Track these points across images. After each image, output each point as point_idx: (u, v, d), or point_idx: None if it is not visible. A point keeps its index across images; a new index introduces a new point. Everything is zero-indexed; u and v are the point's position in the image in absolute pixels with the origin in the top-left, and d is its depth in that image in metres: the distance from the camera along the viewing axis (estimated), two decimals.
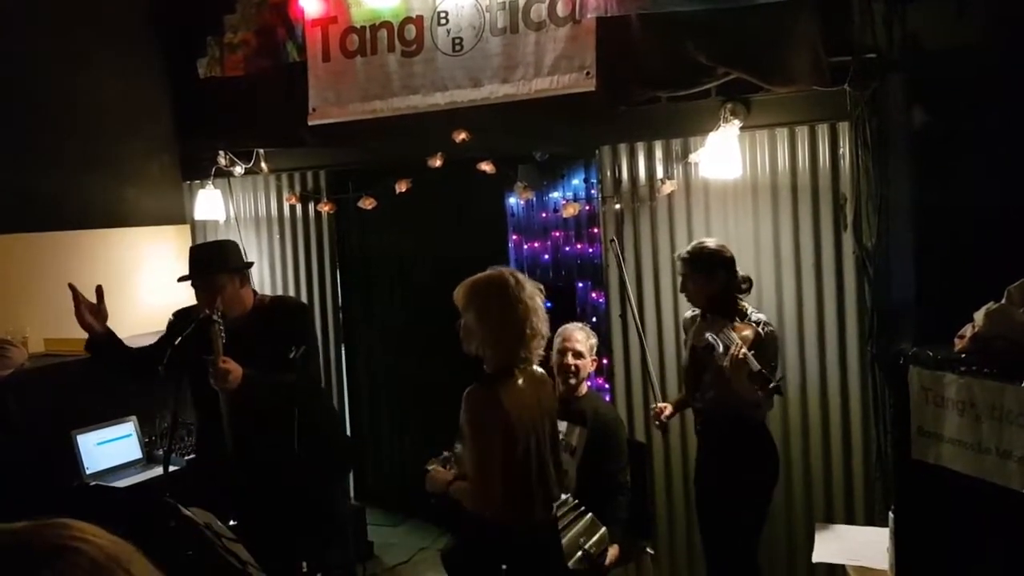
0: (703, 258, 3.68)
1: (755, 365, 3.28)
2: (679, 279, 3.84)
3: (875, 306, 3.98)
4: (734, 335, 3.39)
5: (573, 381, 3.96)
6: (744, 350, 3.31)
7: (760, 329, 3.53)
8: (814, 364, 4.19)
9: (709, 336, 3.52)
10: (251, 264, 3.98)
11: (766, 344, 3.52)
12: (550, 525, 3.13)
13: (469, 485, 2.94)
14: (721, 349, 3.40)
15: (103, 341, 3.64)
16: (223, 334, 3.36)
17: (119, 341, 3.74)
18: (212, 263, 3.64)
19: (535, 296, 2.98)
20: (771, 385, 3.27)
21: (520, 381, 2.94)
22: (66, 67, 4.96)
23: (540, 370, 3.14)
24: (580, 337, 4.01)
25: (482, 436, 2.85)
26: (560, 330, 4.02)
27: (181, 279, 3.75)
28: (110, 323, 3.93)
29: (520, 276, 3.00)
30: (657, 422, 4.05)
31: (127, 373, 3.85)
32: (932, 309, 3.66)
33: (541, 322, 2.96)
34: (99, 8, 5.19)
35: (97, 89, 5.16)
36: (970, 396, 2.88)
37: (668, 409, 4.03)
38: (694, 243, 3.82)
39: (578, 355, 3.97)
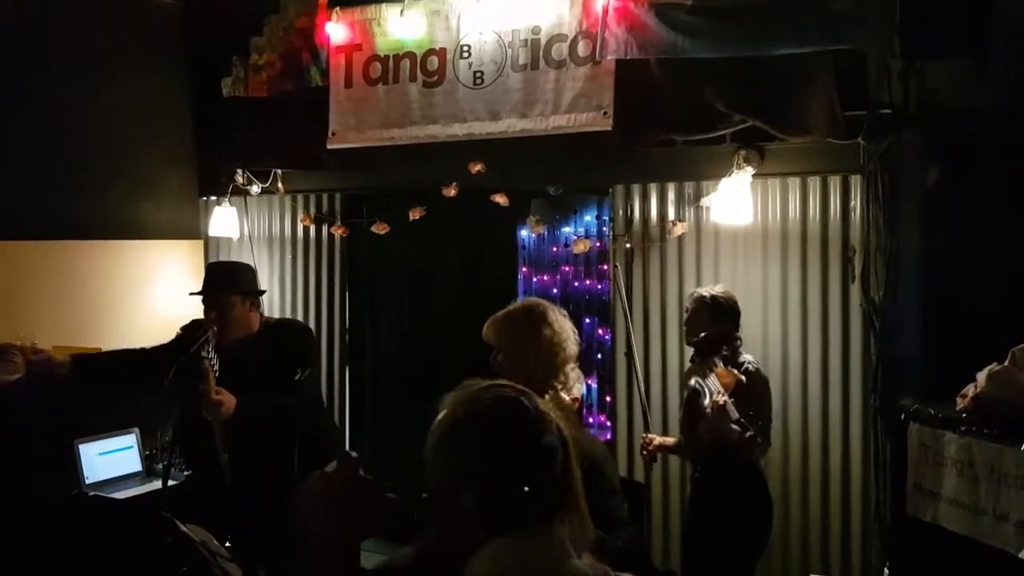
0: (721, 303, 3.73)
1: (734, 413, 3.31)
2: (686, 313, 3.85)
3: (880, 360, 3.98)
4: (716, 382, 3.43)
5: None
6: (724, 397, 3.34)
7: (742, 374, 3.54)
8: (816, 414, 4.19)
9: (695, 382, 3.56)
10: (263, 292, 4.02)
11: (749, 390, 3.53)
12: None
13: None
14: (707, 396, 3.44)
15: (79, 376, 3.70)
16: (215, 367, 3.40)
17: (95, 366, 3.79)
18: (225, 283, 3.68)
19: (566, 325, 3.02)
20: (747, 434, 3.28)
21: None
22: (92, 78, 5.04)
23: (565, 397, 3.17)
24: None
25: None
26: None
27: (193, 294, 3.79)
28: (119, 335, 3.96)
29: (551, 306, 3.04)
30: (644, 452, 4.03)
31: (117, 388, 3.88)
32: (936, 366, 3.66)
33: (572, 352, 3.00)
34: (128, 23, 5.27)
35: (121, 101, 5.23)
36: (969, 456, 2.89)
37: (657, 440, 4.03)
38: (714, 286, 3.86)
39: None
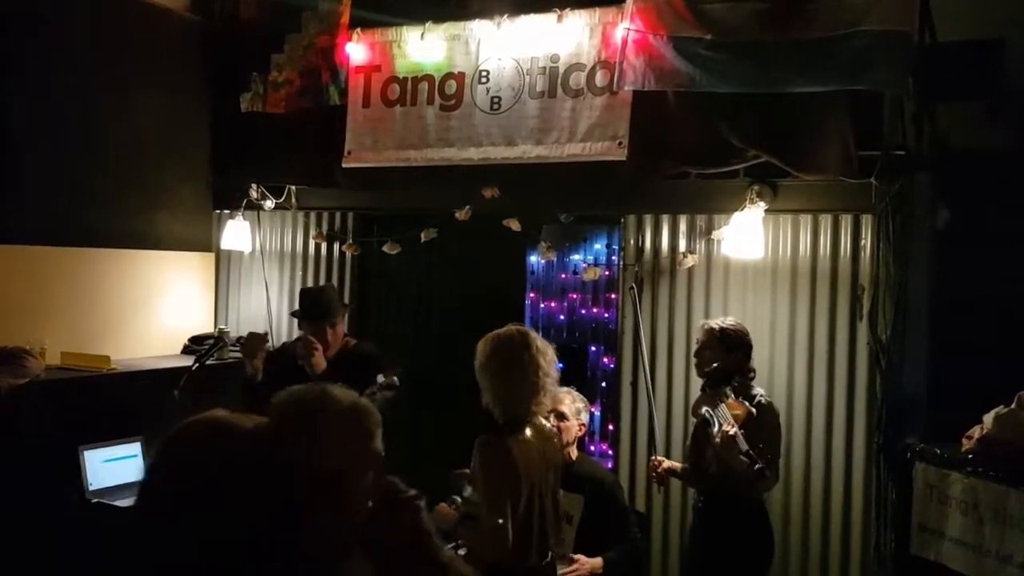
0: (731, 335, 3.72)
1: (743, 445, 3.31)
2: (696, 345, 3.85)
3: (885, 398, 3.99)
4: (726, 412, 3.43)
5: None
6: (734, 428, 3.35)
7: (753, 407, 3.54)
8: (820, 451, 4.19)
9: (705, 411, 3.56)
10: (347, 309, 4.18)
11: (759, 421, 3.53)
12: (546, 572, 3.17)
13: (481, 527, 2.99)
14: (716, 426, 3.44)
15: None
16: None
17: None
18: (327, 313, 3.99)
19: (546, 354, 3.09)
20: (756, 467, 3.28)
21: (528, 433, 3.06)
22: (113, 89, 5.09)
23: (548, 424, 3.23)
24: (566, 400, 4.01)
25: (495, 483, 2.94)
26: None
27: (298, 318, 4.10)
28: (129, 343, 3.96)
29: (533, 334, 3.13)
30: (653, 474, 4.02)
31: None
32: (941, 406, 3.67)
33: (548, 380, 3.07)
34: (152, 37, 5.34)
35: (141, 112, 5.28)
36: (975, 497, 2.90)
37: (666, 463, 4.02)
38: (724, 319, 3.86)
39: (560, 416, 3.95)
